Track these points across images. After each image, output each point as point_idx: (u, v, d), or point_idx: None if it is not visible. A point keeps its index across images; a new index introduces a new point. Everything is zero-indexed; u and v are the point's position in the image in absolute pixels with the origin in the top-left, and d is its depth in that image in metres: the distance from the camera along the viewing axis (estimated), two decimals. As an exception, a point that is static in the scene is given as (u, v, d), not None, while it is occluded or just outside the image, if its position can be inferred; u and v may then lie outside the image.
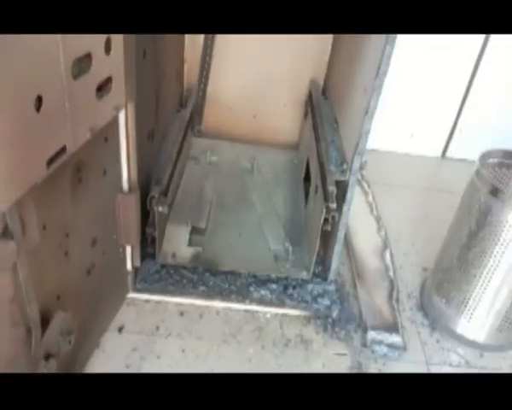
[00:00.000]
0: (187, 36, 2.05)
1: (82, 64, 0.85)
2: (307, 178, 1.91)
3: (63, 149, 0.84)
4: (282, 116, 2.24)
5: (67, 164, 0.96)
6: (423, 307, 1.63)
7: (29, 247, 0.86)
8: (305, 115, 2.15)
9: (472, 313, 1.48)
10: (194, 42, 2.06)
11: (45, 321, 1.00)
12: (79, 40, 0.82)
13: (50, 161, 0.80)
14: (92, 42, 0.87)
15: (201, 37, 2.03)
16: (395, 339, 1.47)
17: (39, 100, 0.74)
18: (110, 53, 0.94)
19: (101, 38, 0.90)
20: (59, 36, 0.76)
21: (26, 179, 0.76)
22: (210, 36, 2.03)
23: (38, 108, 0.74)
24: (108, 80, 0.97)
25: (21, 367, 0.94)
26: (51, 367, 1.00)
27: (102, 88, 0.95)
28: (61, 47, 0.77)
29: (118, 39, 0.96)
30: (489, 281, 1.41)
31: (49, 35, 0.75)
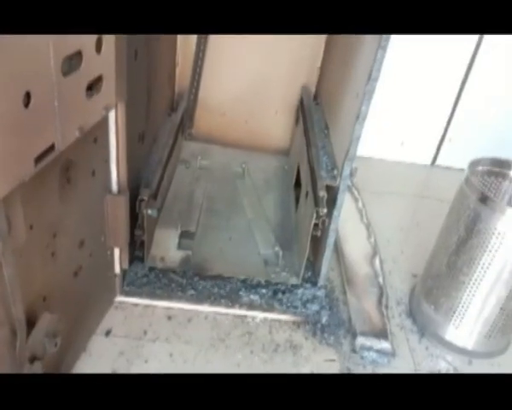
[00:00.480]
0: (179, 39, 2.05)
1: (72, 62, 0.84)
2: (298, 183, 1.92)
3: (52, 147, 0.83)
4: (274, 122, 2.24)
5: (56, 163, 0.94)
6: (412, 313, 1.63)
7: (15, 246, 0.84)
8: (297, 121, 2.15)
9: (460, 320, 1.49)
10: (186, 46, 2.06)
11: (31, 323, 0.98)
12: (70, 38, 0.82)
13: (38, 159, 0.79)
14: (83, 40, 0.87)
15: (193, 41, 2.03)
16: (384, 345, 1.46)
17: (28, 96, 0.73)
18: (101, 52, 0.93)
19: (92, 36, 0.90)
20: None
21: (14, 176, 0.74)
22: (202, 40, 2.03)
23: (27, 104, 0.73)
24: (99, 79, 0.96)
25: (5, 369, 0.92)
26: (36, 370, 0.98)
27: (93, 87, 0.94)
28: (51, 43, 0.76)
29: (109, 38, 0.96)
30: (477, 288, 1.42)
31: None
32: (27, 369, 0.97)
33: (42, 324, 1.01)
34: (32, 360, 0.98)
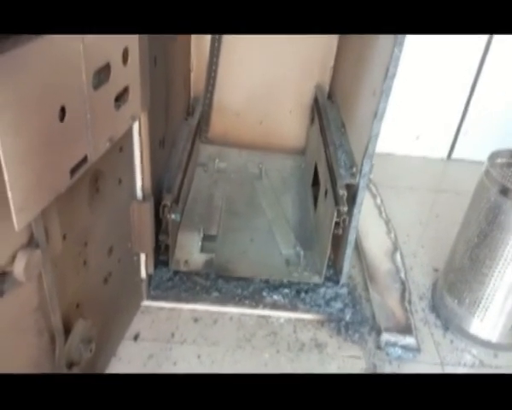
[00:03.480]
0: (193, 45, 2.07)
1: (101, 75, 0.87)
2: (315, 182, 1.93)
3: (85, 159, 0.85)
4: (289, 122, 2.25)
5: (86, 174, 0.97)
6: (435, 307, 1.63)
7: (52, 256, 0.87)
8: (312, 120, 2.16)
9: (485, 313, 1.49)
10: (199, 50, 2.08)
11: (66, 330, 1.00)
12: (99, 50, 0.84)
13: (73, 171, 0.82)
14: (111, 52, 0.89)
15: (207, 45, 2.06)
16: (409, 341, 1.47)
17: (63, 110, 0.76)
18: (127, 63, 0.95)
19: (119, 47, 0.92)
20: (81, 46, 0.78)
21: (52, 189, 0.77)
22: (216, 44, 2.05)
23: (62, 119, 0.76)
24: (125, 90, 0.98)
25: (45, 376, 0.95)
26: (73, 375, 1.01)
27: (120, 98, 0.97)
28: (82, 57, 0.79)
29: (134, 49, 0.98)
30: (501, 280, 1.42)
31: (72, 45, 0.76)
32: (65, 375, 0.99)
33: (77, 330, 1.04)
34: (70, 365, 1.01)
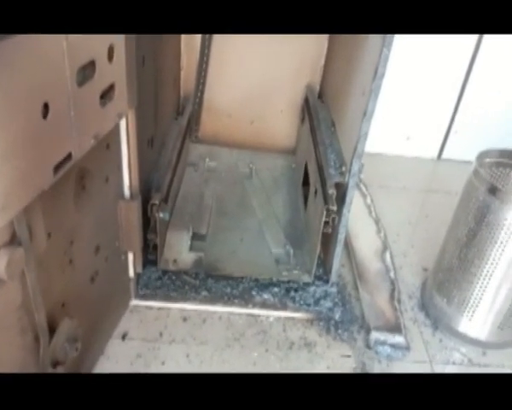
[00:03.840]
0: (183, 43, 2.06)
1: (86, 71, 0.86)
2: (306, 182, 1.93)
3: (69, 156, 0.84)
4: (280, 121, 2.25)
5: (71, 171, 0.96)
6: (425, 306, 1.64)
7: (36, 254, 0.86)
8: (302, 120, 2.16)
9: (473, 312, 1.49)
10: (190, 49, 2.07)
11: (51, 329, 0.99)
12: (84, 47, 0.83)
13: (57, 168, 0.81)
14: (96, 49, 0.88)
15: (197, 44, 2.05)
16: (398, 339, 1.47)
17: (46, 107, 0.75)
18: (112, 60, 0.95)
19: (105, 45, 0.91)
20: (64, 43, 0.77)
21: (35, 186, 0.76)
22: (206, 43, 2.04)
23: (45, 116, 0.75)
24: (111, 87, 0.97)
25: (29, 375, 0.94)
26: (58, 375, 1.00)
27: (105, 95, 0.96)
28: (66, 54, 0.78)
29: (120, 46, 0.97)
30: (489, 279, 1.42)
31: (55, 42, 0.75)
32: (50, 374, 0.99)
33: (62, 329, 1.03)
34: (55, 364, 1.00)
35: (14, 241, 0.79)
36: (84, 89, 0.85)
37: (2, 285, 0.79)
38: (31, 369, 0.94)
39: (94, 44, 0.87)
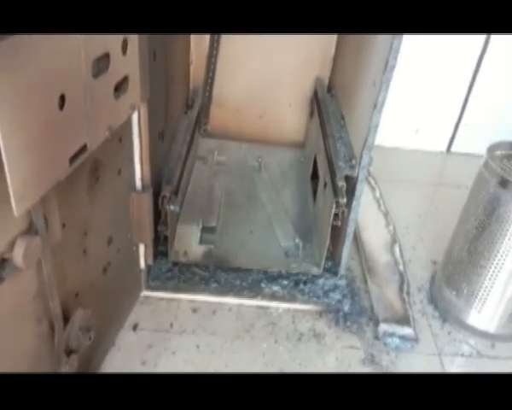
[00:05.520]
0: (192, 38, 2.07)
1: (101, 64, 0.87)
2: (314, 175, 1.93)
3: (84, 147, 0.85)
4: (288, 115, 2.25)
5: (86, 163, 0.98)
6: (434, 299, 1.64)
7: (52, 244, 0.88)
8: (311, 113, 2.16)
9: (482, 305, 1.50)
10: (199, 44, 2.08)
11: (65, 318, 1.01)
12: (99, 40, 0.84)
13: (72, 159, 0.82)
14: (110, 42, 0.89)
15: (207, 39, 2.06)
16: (407, 331, 1.48)
17: (62, 99, 0.76)
18: (126, 53, 0.96)
19: (119, 38, 0.92)
20: (80, 36, 0.78)
21: (51, 177, 0.78)
22: (215, 38, 2.05)
23: (62, 107, 0.76)
24: (124, 80, 0.99)
25: (44, 362, 0.96)
26: (73, 362, 1.02)
27: (119, 88, 0.97)
28: (82, 46, 0.79)
29: (133, 40, 0.98)
30: (499, 272, 1.42)
31: (72, 35, 0.77)
32: (64, 362, 1.00)
33: (76, 318, 1.05)
34: (69, 353, 1.02)
35: (30, 230, 0.81)
36: (98, 81, 0.87)
37: (18, 274, 0.81)
38: (45, 357, 0.95)
39: (108, 37, 0.88)
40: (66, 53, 0.76)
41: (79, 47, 0.78)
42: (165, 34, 1.46)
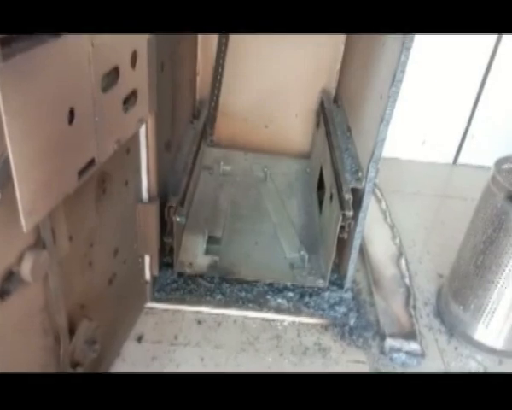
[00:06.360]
0: (199, 48, 2.08)
1: (110, 77, 0.87)
2: (320, 186, 1.93)
3: (92, 161, 0.86)
4: (294, 125, 2.26)
5: (93, 175, 0.97)
6: (440, 313, 1.63)
7: (59, 257, 0.87)
8: (317, 124, 2.16)
9: (490, 320, 1.48)
10: (206, 54, 2.09)
11: (71, 330, 1.01)
12: (108, 53, 0.85)
13: (81, 173, 0.82)
14: (120, 55, 0.89)
15: (214, 49, 2.06)
16: (413, 346, 1.47)
17: (71, 113, 0.76)
18: (135, 66, 0.96)
19: (128, 50, 0.93)
20: (90, 49, 0.78)
21: (60, 191, 0.77)
22: (222, 48, 2.05)
23: (71, 121, 0.76)
24: (133, 93, 0.99)
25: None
26: (78, 376, 1.01)
27: (128, 101, 0.97)
28: (91, 60, 0.79)
29: (142, 52, 0.98)
30: (506, 287, 1.41)
31: (81, 48, 0.77)
32: (70, 375, 1.00)
33: (81, 331, 1.05)
34: (74, 366, 1.01)
35: (38, 244, 0.80)
36: (108, 95, 0.87)
37: (26, 287, 0.81)
38: (51, 369, 0.95)
39: (118, 50, 0.89)
40: (75, 67, 0.76)
41: (89, 61, 0.79)
42: (172, 41, 1.46)
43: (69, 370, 0.99)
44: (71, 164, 0.79)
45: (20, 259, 0.77)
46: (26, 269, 0.77)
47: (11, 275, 0.77)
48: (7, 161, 0.65)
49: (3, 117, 0.62)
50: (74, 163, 0.80)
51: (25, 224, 0.69)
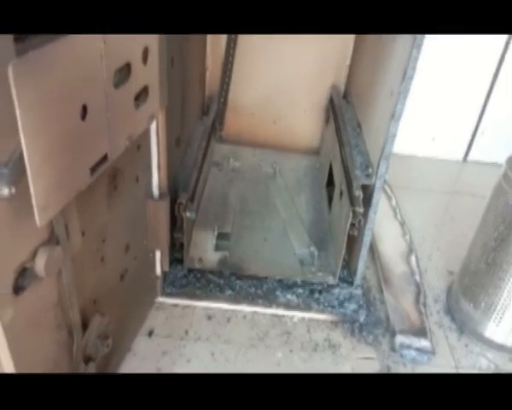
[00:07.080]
0: (208, 44, 2.07)
1: (122, 73, 0.87)
2: (330, 182, 1.92)
3: (105, 157, 0.86)
4: (303, 121, 2.25)
5: (105, 171, 0.98)
6: (450, 310, 1.62)
7: (72, 253, 0.88)
8: (327, 120, 2.16)
9: (501, 317, 1.47)
10: (215, 50, 2.09)
11: (83, 325, 1.02)
12: (120, 49, 0.85)
13: (93, 169, 0.83)
14: (131, 51, 0.90)
15: (223, 45, 2.06)
16: (423, 343, 1.46)
17: (84, 109, 0.77)
18: (147, 62, 0.96)
19: (140, 47, 0.93)
20: (102, 45, 0.79)
21: (73, 187, 0.78)
22: (231, 44, 2.05)
23: (84, 117, 0.77)
24: (144, 89, 0.99)
25: (63, 370, 0.96)
26: (90, 370, 1.02)
27: (139, 97, 0.97)
28: (103, 56, 0.79)
29: (154, 48, 0.98)
30: (518, 284, 1.40)
31: (93, 45, 0.77)
32: (83, 369, 1.01)
33: (94, 326, 1.05)
34: (87, 360, 1.02)
35: (52, 239, 0.81)
36: (119, 91, 0.87)
37: (40, 283, 0.81)
38: (64, 365, 0.96)
39: (130, 46, 0.89)
40: (87, 63, 0.77)
41: (101, 57, 0.79)
42: (182, 37, 1.46)
43: (82, 364, 1.00)
44: (84, 160, 0.80)
45: (34, 255, 0.78)
46: (40, 265, 0.78)
47: (25, 271, 0.78)
48: (21, 157, 0.66)
49: (17, 111, 0.62)
50: (87, 159, 0.81)
51: (39, 219, 0.70)
